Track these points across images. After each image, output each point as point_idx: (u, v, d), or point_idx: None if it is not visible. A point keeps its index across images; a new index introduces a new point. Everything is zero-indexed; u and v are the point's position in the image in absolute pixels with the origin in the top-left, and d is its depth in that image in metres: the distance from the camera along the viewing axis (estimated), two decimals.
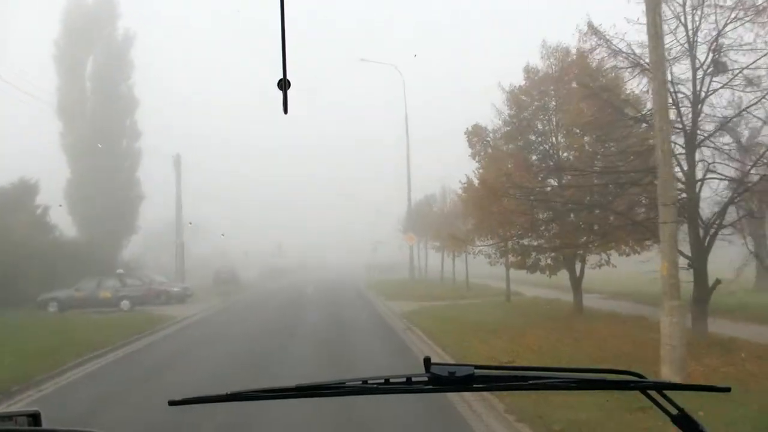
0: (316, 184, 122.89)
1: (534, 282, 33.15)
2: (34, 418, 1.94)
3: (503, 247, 19.29)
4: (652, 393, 1.85)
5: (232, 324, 21.19)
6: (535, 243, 17.95)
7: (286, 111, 2.36)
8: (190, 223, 65.20)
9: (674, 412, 1.80)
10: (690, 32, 12.96)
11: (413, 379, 1.80)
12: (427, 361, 1.79)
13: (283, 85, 2.35)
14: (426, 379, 1.77)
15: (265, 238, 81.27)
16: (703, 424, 1.76)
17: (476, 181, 19.77)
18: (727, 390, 1.93)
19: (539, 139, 19.21)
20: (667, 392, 1.82)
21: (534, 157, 18.95)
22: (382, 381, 1.83)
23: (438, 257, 41.89)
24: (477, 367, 1.78)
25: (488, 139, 19.14)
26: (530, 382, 1.88)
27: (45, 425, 1.94)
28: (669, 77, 11.94)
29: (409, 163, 41.24)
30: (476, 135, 19.25)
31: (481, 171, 19.91)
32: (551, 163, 18.48)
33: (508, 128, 19.30)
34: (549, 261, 19.19)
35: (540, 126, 19.13)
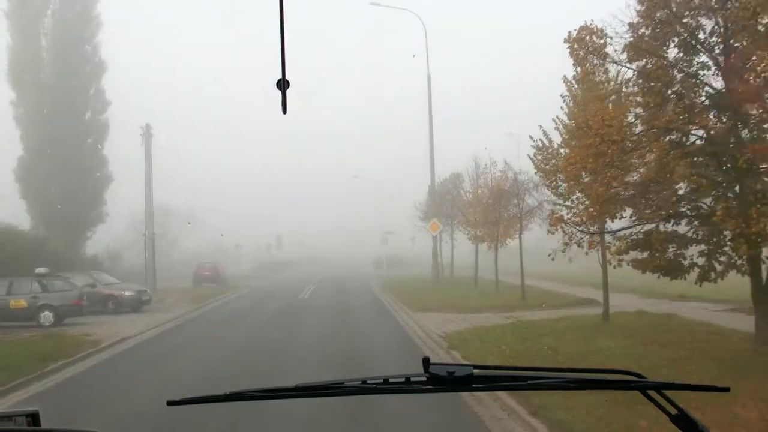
0: (321, 172, 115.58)
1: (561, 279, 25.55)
2: (33, 417, 1.92)
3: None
4: (652, 393, 1.82)
5: (176, 362, 13.21)
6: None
7: (285, 111, 2.33)
8: (189, 223, 57.10)
9: (674, 411, 1.77)
10: None
11: (412, 379, 1.77)
12: (426, 361, 1.75)
13: (283, 85, 2.31)
14: (425, 379, 1.74)
15: (264, 229, 73.45)
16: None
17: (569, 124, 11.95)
18: (726, 390, 1.90)
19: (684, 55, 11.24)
20: (667, 392, 1.79)
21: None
22: (381, 381, 1.80)
23: (464, 250, 34.02)
24: (476, 366, 1.75)
25: (606, 49, 11.14)
26: (530, 382, 1.87)
27: (44, 425, 1.92)
28: None
29: (432, 132, 32.91)
30: (583, 44, 11.25)
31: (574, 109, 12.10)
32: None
33: (634, 37, 11.33)
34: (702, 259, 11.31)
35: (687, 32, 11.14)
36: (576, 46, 11.14)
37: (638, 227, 10.94)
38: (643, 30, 11.22)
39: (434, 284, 32.34)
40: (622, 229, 11.27)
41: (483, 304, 20.68)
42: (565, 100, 14.72)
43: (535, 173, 15.47)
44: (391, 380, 1.79)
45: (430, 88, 33.21)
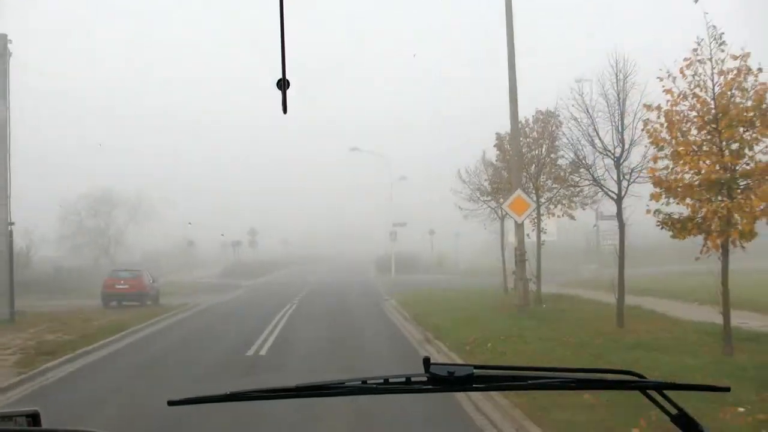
0: (310, 151, 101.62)
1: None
2: (34, 418, 1.89)
3: None
4: (652, 393, 1.79)
5: None
6: None
7: (285, 111, 2.27)
8: (190, 224, 46.38)
9: (674, 411, 1.74)
10: None
11: (412, 379, 1.75)
12: (426, 361, 1.74)
13: (283, 84, 2.26)
14: (425, 379, 1.73)
15: (245, 225, 58.83)
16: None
17: None
18: (727, 390, 1.87)
19: None
20: (667, 392, 1.76)
21: None
22: (382, 381, 1.78)
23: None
24: (476, 366, 1.72)
25: None
26: (530, 381, 1.85)
27: (44, 425, 1.88)
28: None
29: (512, 29, 16.75)
30: None
31: None
32: None
33: None
34: None
35: None
36: None
37: None
38: None
39: (527, 321, 15.88)
40: None
41: None
42: None
43: None
44: (391, 380, 1.77)
45: None
